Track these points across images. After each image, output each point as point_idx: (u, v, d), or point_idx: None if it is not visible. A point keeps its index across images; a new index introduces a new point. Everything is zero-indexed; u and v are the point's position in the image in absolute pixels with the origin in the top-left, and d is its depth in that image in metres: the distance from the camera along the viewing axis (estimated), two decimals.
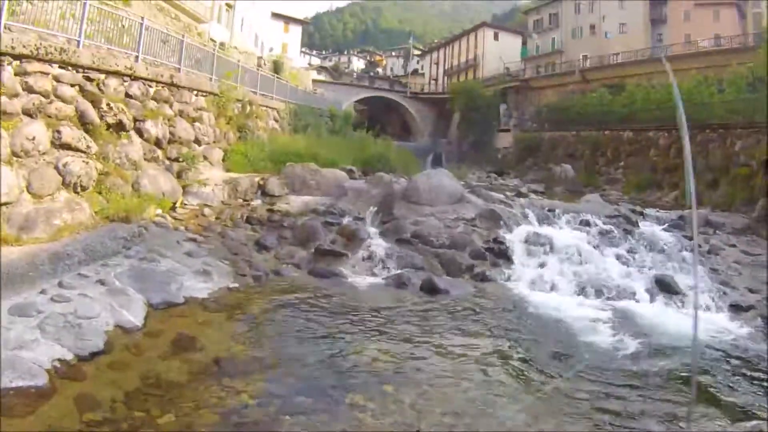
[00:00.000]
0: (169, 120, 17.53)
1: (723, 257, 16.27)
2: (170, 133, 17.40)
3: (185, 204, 16.47)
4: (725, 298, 13.97)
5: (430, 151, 65.57)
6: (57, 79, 12.93)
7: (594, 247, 16.07)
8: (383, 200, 17.93)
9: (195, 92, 19.87)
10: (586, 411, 7.80)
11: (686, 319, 12.67)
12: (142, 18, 16.62)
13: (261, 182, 18.82)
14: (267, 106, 28.98)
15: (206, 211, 16.42)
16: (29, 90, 12.17)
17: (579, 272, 14.84)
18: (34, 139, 11.88)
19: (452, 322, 11.36)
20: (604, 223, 17.56)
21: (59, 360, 7.58)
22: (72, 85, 13.35)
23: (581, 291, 14.14)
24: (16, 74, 11.93)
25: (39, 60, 12.41)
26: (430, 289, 13.28)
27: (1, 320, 8.04)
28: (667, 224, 18.49)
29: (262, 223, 16.27)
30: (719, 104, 28.89)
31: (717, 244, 17.12)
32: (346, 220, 16.59)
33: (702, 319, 12.47)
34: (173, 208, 15.85)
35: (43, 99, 12.46)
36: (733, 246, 17.25)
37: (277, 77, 35.88)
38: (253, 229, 15.88)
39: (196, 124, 19.38)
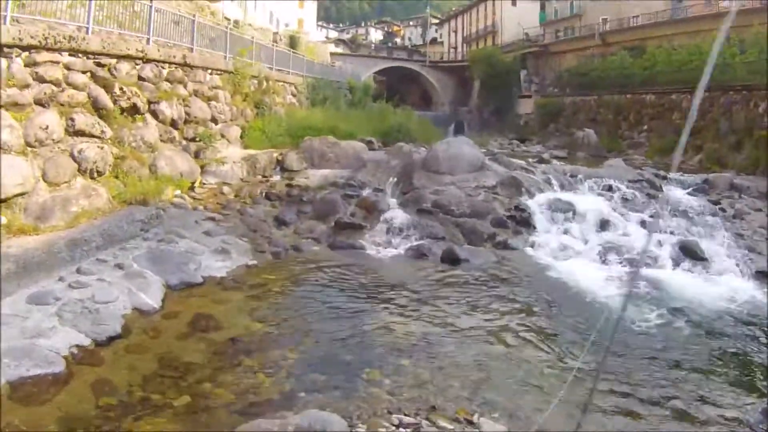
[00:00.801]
0: (184, 100, 17.50)
1: (748, 222, 15.83)
2: (186, 113, 17.38)
3: (204, 183, 16.49)
4: (751, 264, 13.62)
5: (452, 120, 65.07)
6: (67, 67, 12.93)
7: (618, 213, 15.80)
8: (403, 171, 17.83)
9: (209, 71, 19.79)
10: (607, 385, 7.69)
11: (711, 286, 12.55)
12: (151, 0, 16.52)
13: (279, 158, 18.79)
14: (284, 81, 28.82)
15: (225, 189, 16.42)
16: (40, 80, 12.18)
17: (602, 239, 14.65)
18: (47, 128, 11.91)
19: (473, 293, 11.27)
20: (628, 188, 17.29)
21: (77, 346, 7.62)
22: (83, 72, 13.34)
23: (604, 258, 13.91)
24: (26, 65, 11.93)
25: (48, 49, 12.39)
26: (450, 259, 13.19)
27: (18, 310, 8.12)
28: (691, 188, 18.12)
29: (281, 199, 16.26)
30: (741, 65, 28.33)
31: (742, 208, 16.68)
32: (365, 192, 16.54)
33: (727, 287, 12.38)
34: (191, 188, 15.87)
35: (54, 88, 12.47)
36: (759, 210, 16.74)
37: (294, 52, 35.68)
38: (272, 205, 15.88)
39: (212, 102, 19.34)
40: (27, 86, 11.84)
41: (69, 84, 12.89)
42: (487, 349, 8.70)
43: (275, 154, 18.90)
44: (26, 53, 11.98)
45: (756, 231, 15.30)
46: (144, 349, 7.97)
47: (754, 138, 22.42)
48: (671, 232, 15.04)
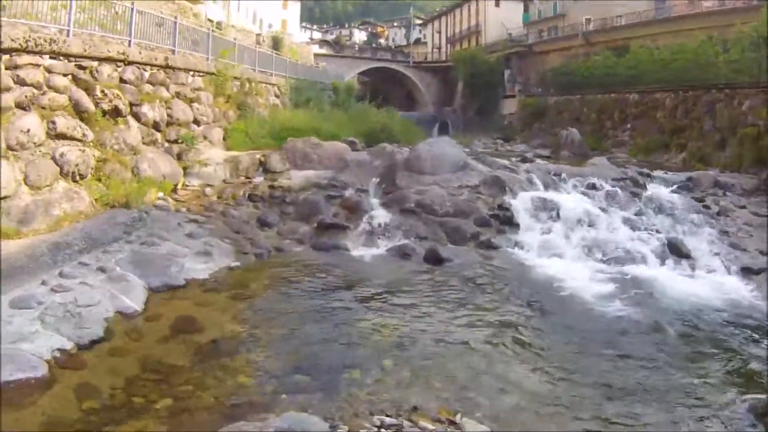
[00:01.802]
0: (166, 102, 17.46)
1: (733, 219, 15.95)
2: (168, 115, 17.33)
3: (186, 185, 16.50)
4: (736, 260, 13.74)
5: (436, 120, 65.23)
6: (48, 69, 12.89)
7: (602, 211, 15.81)
8: (386, 171, 17.83)
9: (191, 73, 19.76)
10: (592, 385, 7.78)
11: (696, 283, 12.66)
12: (132, 2, 16.48)
13: (262, 159, 18.75)
14: (266, 83, 28.81)
15: (208, 190, 16.44)
16: (21, 83, 12.14)
17: (586, 237, 14.69)
18: (28, 131, 11.88)
19: (456, 292, 11.31)
20: (612, 186, 17.31)
21: (59, 350, 7.60)
22: (64, 75, 13.30)
23: (589, 256, 14.00)
24: (6, 68, 11.89)
25: (29, 52, 12.35)
26: (433, 259, 13.25)
27: (1, 315, 8.11)
28: (675, 186, 18.16)
29: (264, 200, 16.27)
30: (725, 64, 28.51)
31: (727, 205, 16.78)
32: (348, 193, 16.50)
33: (713, 284, 12.54)
34: (174, 190, 15.88)
35: (35, 91, 12.44)
36: (743, 207, 16.86)
37: (276, 53, 35.67)
38: (255, 207, 15.89)
39: (194, 104, 19.28)
40: (8, 89, 11.79)
41: (50, 87, 12.86)
42: (470, 349, 8.73)
43: (258, 156, 18.87)
44: (7, 56, 11.93)
45: (741, 228, 15.43)
46: (126, 352, 7.98)
47: (738, 136, 22.56)
48: (656, 230, 15.11)
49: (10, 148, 11.47)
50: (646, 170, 20.10)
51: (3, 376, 6.75)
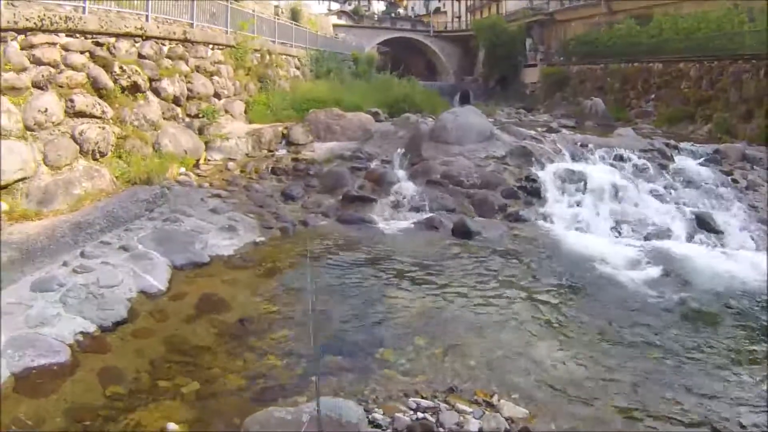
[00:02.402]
0: (186, 76, 17.21)
1: (762, 193, 15.39)
2: (188, 89, 17.10)
3: (208, 160, 16.30)
4: (765, 237, 13.34)
5: (457, 90, 64.39)
6: (65, 48, 12.67)
7: (629, 183, 15.40)
8: (410, 141, 17.51)
9: (211, 46, 19.47)
10: (625, 367, 7.45)
11: (727, 259, 12.22)
12: None
13: (284, 131, 18.53)
14: (287, 55, 28.49)
15: (230, 165, 16.22)
16: (37, 62, 11.94)
17: (615, 210, 14.32)
18: (46, 110, 11.69)
19: (486, 266, 10.99)
20: (639, 158, 16.83)
21: (82, 333, 7.42)
22: (81, 52, 13.08)
23: (618, 230, 13.66)
24: (22, 48, 11.71)
25: (44, 31, 12.14)
26: (462, 231, 12.92)
27: (21, 299, 7.94)
28: (702, 158, 17.61)
29: (288, 173, 16.04)
30: (751, 34, 27.75)
31: (755, 179, 16.20)
32: (373, 164, 16.28)
33: (744, 260, 12.08)
34: (196, 165, 15.69)
35: (52, 69, 12.23)
36: None
37: (296, 25, 35.26)
38: (279, 180, 15.69)
39: (215, 78, 19.04)
40: (24, 69, 11.61)
41: (67, 65, 12.64)
42: (502, 326, 8.46)
43: (280, 128, 18.63)
44: (22, 36, 11.74)
45: None
46: (151, 333, 7.77)
47: (765, 108, 21.95)
48: (684, 204, 14.73)
49: (28, 128, 11.30)
50: (672, 142, 19.53)
51: (25, 362, 6.58)
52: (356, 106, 22.18)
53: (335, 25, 73.47)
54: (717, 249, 12.98)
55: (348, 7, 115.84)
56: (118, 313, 8.01)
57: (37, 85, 11.84)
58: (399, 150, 16.94)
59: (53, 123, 11.84)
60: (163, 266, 9.69)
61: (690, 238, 13.39)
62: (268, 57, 24.50)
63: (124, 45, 14.43)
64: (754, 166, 17.30)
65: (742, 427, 6.31)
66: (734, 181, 16.08)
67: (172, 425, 5.74)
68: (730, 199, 14.99)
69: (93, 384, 6.48)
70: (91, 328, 7.59)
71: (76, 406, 6.06)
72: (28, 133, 11.29)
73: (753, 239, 13.31)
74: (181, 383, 6.56)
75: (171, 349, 7.36)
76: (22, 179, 10.74)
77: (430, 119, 19.63)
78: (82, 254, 9.48)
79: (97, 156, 12.54)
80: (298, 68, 29.80)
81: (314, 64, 32.11)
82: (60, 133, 11.94)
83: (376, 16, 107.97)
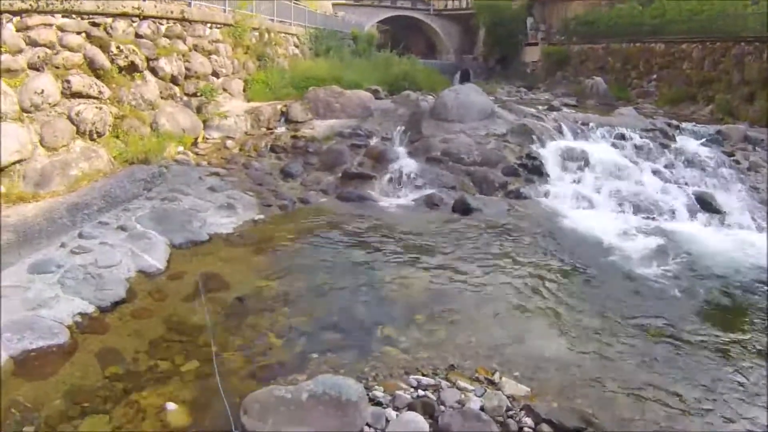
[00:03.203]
0: (183, 56, 17.07)
1: (763, 175, 15.32)
2: (186, 68, 16.96)
3: (207, 138, 16.19)
4: (767, 218, 13.28)
5: (457, 69, 64.06)
6: (61, 28, 12.54)
7: (631, 162, 15.37)
8: (411, 119, 17.40)
9: (209, 25, 19.30)
10: (626, 348, 7.39)
11: (728, 239, 12.22)
12: None
13: (284, 109, 18.38)
14: (286, 33, 28.29)
15: (228, 143, 16.12)
16: (33, 44, 11.83)
17: (616, 188, 14.23)
18: (42, 92, 11.57)
19: (486, 243, 10.95)
20: (640, 137, 16.77)
21: (80, 314, 7.38)
22: (78, 33, 12.94)
23: (619, 208, 13.57)
24: (17, 30, 11.61)
25: (40, 12, 12.02)
26: (462, 208, 12.87)
27: (19, 281, 7.90)
28: (704, 139, 17.45)
29: (287, 151, 15.93)
30: (754, 16, 27.54)
31: (757, 160, 16.07)
32: (373, 142, 16.17)
33: (746, 241, 12.09)
34: (194, 144, 15.58)
35: (48, 51, 12.10)
36: None
37: (295, 3, 34.98)
38: (278, 158, 15.59)
39: (213, 56, 18.89)
40: (20, 51, 11.51)
41: (63, 46, 12.51)
42: (504, 303, 8.43)
43: (279, 106, 18.49)
44: (17, 18, 11.63)
45: None
46: (150, 313, 7.73)
47: (767, 90, 21.83)
48: (686, 183, 14.68)
49: (24, 110, 11.20)
50: (674, 122, 19.41)
51: (24, 345, 6.54)
52: (356, 84, 22.05)
53: (335, 4, 72.94)
54: (718, 229, 12.96)
55: None
56: (117, 294, 7.97)
57: (33, 67, 11.73)
58: (399, 127, 16.79)
59: (50, 104, 11.73)
60: (161, 245, 9.65)
61: (691, 218, 13.35)
62: (266, 35, 24.31)
63: (121, 25, 14.28)
64: (756, 148, 17.17)
65: (743, 401, 6.32)
66: (736, 162, 15.99)
67: (171, 405, 5.73)
68: (731, 179, 14.92)
69: (92, 365, 6.45)
70: (90, 309, 7.55)
71: (75, 387, 6.03)
72: (25, 114, 11.19)
73: (754, 219, 13.25)
74: (180, 363, 6.54)
75: (170, 328, 7.33)
76: (19, 161, 10.65)
77: (431, 97, 19.49)
78: (80, 235, 9.45)
79: (95, 136, 12.43)
80: (297, 46, 29.62)
81: (313, 43, 31.94)
82: (56, 114, 11.83)
83: None
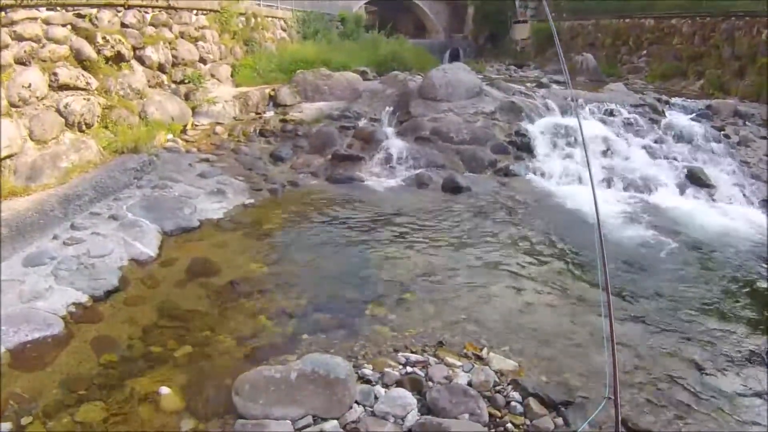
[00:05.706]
0: (170, 43, 17.06)
1: (754, 149, 15.38)
2: (173, 56, 16.96)
3: (196, 125, 16.19)
4: (757, 192, 13.41)
5: (447, 48, 63.67)
6: (46, 21, 12.46)
7: (620, 138, 15.49)
8: (399, 99, 17.44)
9: (195, 12, 19.26)
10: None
11: (718, 213, 12.36)
12: None
13: (272, 93, 18.39)
14: (273, 17, 28.15)
15: (218, 129, 16.12)
16: (19, 38, 11.78)
17: (605, 164, 14.36)
18: (30, 86, 11.54)
19: (475, 221, 11.09)
20: (629, 113, 16.85)
21: (74, 304, 7.46)
22: (63, 25, 12.88)
23: (608, 184, 13.72)
24: (3, 26, 11.58)
25: (24, 7, 11.99)
26: (452, 187, 13.03)
27: (14, 275, 7.98)
28: (694, 114, 17.53)
29: (276, 135, 15.97)
30: None
31: (747, 135, 16.11)
32: (361, 123, 16.22)
33: (735, 215, 12.26)
34: (184, 131, 15.58)
35: (34, 44, 12.05)
36: (765, 138, 16.14)
37: None
38: (267, 142, 15.63)
39: (200, 43, 18.87)
40: (6, 46, 11.50)
41: (49, 39, 12.47)
42: (493, 280, 8.54)
43: (267, 90, 18.51)
44: (2, 13, 11.61)
45: (762, 159, 14.89)
46: (143, 300, 7.82)
47: (757, 65, 21.84)
48: (675, 158, 14.76)
49: (12, 105, 11.18)
50: (664, 97, 19.48)
51: (20, 338, 6.62)
52: (344, 66, 22.01)
53: None
54: (708, 203, 13.10)
55: None
56: (110, 282, 8.04)
57: (19, 61, 11.70)
58: (387, 108, 16.86)
59: (38, 98, 11.73)
60: (152, 233, 9.74)
61: (681, 192, 13.48)
62: (253, 20, 24.25)
63: (106, 15, 14.25)
64: (747, 122, 17.21)
65: (738, 375, 6.44)
66: (726, 136, 16.05)
67: (164, 389, 5.84)
68: (721, 154, 15.01)
69: (87, 354, 6.54)
70: (84, 298, 7.63)
71: (71, 376, 6.12)
72: (13, 109, 11.21)
73: (744, 194, 13.39)
74: (173, 348, 6.64)
75: (163, 314, 7.42)
76: (9, 156, 10.68)
77: (419, 77, 19.52)
78: (72, 226, 9.53)
79: (83, 128, 12.46)
80: (284, 30, 29.53)
81: (301, 26, 31.78)
82: (45, 108, 11.83)
83: None
